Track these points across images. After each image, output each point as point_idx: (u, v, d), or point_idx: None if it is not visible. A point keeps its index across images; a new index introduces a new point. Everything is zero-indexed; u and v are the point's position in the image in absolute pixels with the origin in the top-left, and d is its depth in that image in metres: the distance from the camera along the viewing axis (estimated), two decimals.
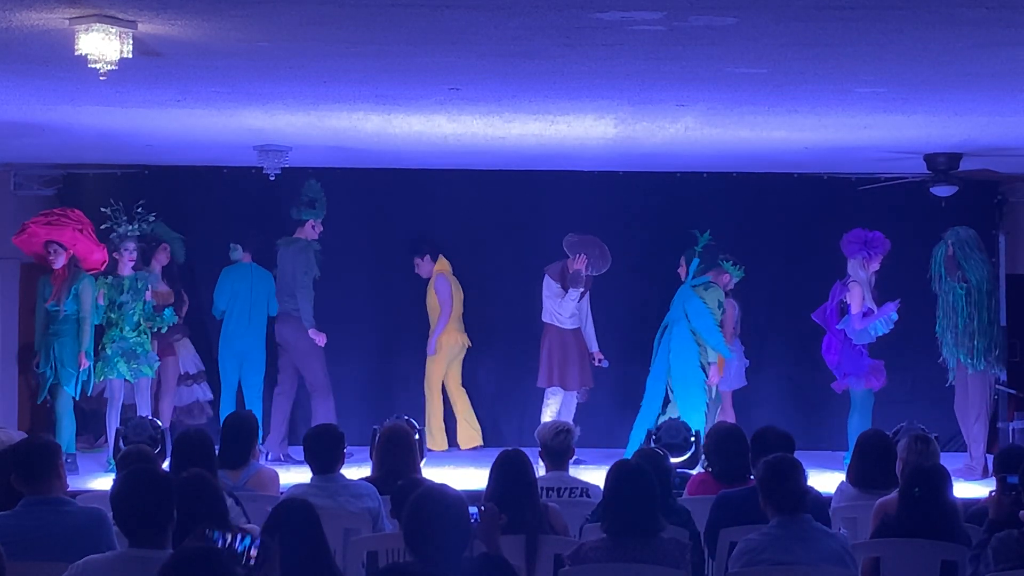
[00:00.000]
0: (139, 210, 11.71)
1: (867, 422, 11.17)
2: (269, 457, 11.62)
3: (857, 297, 11.36)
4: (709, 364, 11.60)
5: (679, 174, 12.98)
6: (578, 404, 12.21)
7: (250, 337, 12.07)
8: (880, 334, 11.43)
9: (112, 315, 11.32)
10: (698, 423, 11.03)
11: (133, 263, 11.51)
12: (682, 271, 11.98)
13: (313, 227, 12.07)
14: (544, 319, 12.18)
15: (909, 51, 7.34)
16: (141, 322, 11.34)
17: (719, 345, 11.54)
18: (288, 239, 12.15)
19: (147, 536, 4.81)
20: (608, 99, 8.94)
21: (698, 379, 11.59)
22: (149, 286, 11.48)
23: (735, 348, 12.01)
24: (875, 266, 11.47)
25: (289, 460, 11.66)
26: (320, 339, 11.97)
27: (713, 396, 11.65)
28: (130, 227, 11.61)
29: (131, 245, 11.52)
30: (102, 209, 11.67)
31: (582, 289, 12.00)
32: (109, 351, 11.21)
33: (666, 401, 11.74)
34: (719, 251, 11.93)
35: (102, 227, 11.62)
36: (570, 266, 11.99)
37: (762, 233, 12.70)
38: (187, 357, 12.35)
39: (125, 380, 11.31)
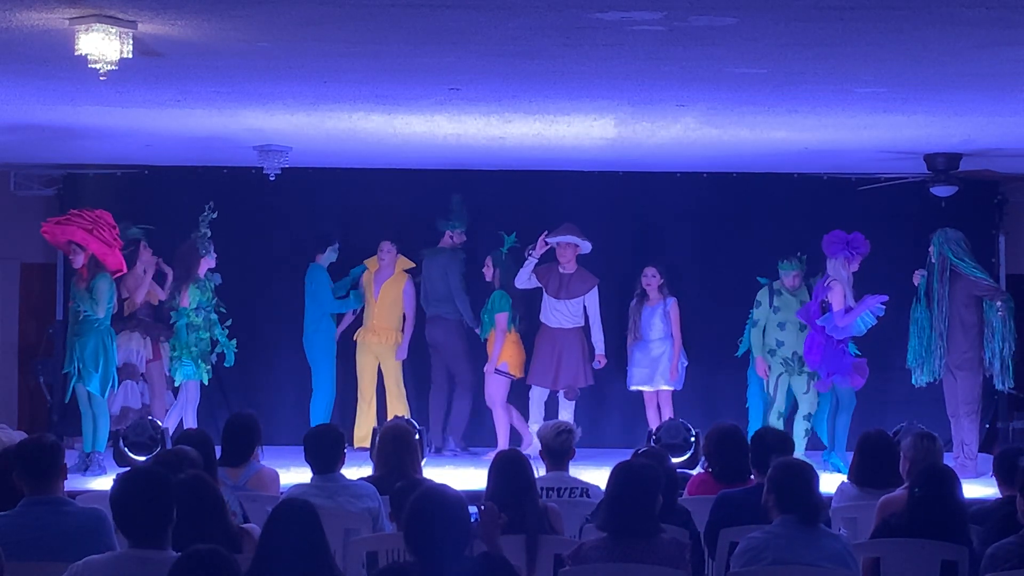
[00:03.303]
0: (211, 213, 11.76)
1: (848, 420, 11.26)
2: (435, 449, 12.02)
3: (839, 295, 11.35)
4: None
5: (679, 174, 12.97)
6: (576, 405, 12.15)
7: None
8: (868, 327, 11.42)
9: (196, 319, 11.49)
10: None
11: (211, 266, 11.71)
12: (487, 271, 12.17)
13: (452, 237, 12.41)
14: None
15: (909, 51, 7.34)
16: (206, 324, 11.57)
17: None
18: (434, 249, 12.45)
19: (147, 536, 4.81)
20: (608, 99, 8.95)
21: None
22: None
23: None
24: (854, 267, 11.47)
25: (451, 450, 12.23)
26: None
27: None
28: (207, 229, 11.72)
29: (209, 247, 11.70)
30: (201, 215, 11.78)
31: (533, 260, 12.07)
32: (193, 351, 11.47)
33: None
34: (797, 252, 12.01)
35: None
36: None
37: (762, 233, 12.67)
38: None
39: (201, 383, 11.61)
